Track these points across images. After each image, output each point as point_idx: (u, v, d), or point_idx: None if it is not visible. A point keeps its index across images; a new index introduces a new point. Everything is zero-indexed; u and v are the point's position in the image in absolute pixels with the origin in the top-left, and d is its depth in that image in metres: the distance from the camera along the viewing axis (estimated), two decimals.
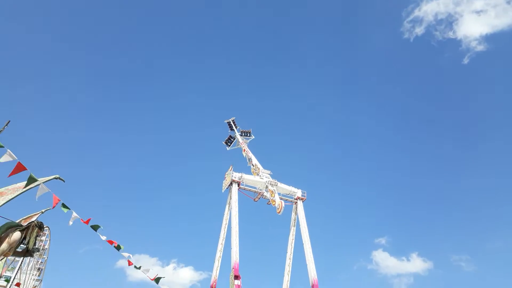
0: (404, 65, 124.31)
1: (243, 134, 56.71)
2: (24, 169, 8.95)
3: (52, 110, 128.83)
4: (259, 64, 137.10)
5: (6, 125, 8.46)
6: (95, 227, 11.08)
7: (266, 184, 46.50)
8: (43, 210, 9.04)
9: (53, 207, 9.98)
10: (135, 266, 13.12)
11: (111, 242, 11.37)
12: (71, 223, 10.18)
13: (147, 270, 13.24)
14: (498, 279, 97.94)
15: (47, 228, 43.61)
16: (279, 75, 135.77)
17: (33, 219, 8.95)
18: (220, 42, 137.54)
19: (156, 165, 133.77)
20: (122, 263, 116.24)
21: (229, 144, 57.23)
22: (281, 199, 48.15)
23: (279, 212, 42.34)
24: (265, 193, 46.10)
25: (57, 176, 8.83)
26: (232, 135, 57.21)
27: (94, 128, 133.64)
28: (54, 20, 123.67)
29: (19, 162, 8.87)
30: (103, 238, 11.27)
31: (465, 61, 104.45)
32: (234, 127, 57.41)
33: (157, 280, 14.26)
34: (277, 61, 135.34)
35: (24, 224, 9.06)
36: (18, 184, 8.40)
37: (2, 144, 8.44)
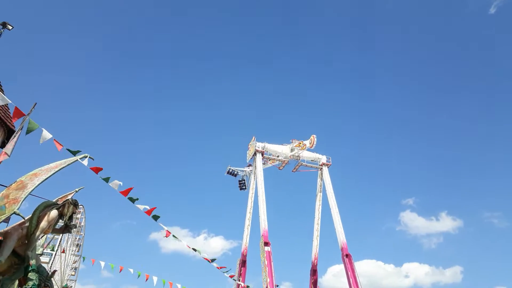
0: (428, 14, 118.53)
1: None
2: (60, 146, 9.15)
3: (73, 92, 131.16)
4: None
5: (33, 107, 8.60)
6: (132, 199, 11.29)
7: (291, 148, 46.66)
8: (77, 189, 9.31)
9: (97, 175, 10.20)
10: (174, 236, 13.51)
11: (149, 213, 11.63)
12: (116, 187, 10.45)
13: (181, 240, 13.60)
14: None
15: (82, 206, 45.45)
16: (294, 27, 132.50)
17: (68, 198, 9.20)
18: None
19: (183, 137, 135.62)
20: (155, 235, 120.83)
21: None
22: (305, 166, 48.36)
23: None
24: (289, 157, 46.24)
25: (87, 154, 8.99)
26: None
27: (117, 106, 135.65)
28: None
29: (55, 139, 9.08)
30: (142, 207, 11.48)
31: (492, 10, 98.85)
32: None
33: (196, 250, 14.76)
34: (289, 10, 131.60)
35: (60, 203, 9.35)
36: (50, 164, 8.61)
37: (36, 124, 8.64)
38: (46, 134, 8.95)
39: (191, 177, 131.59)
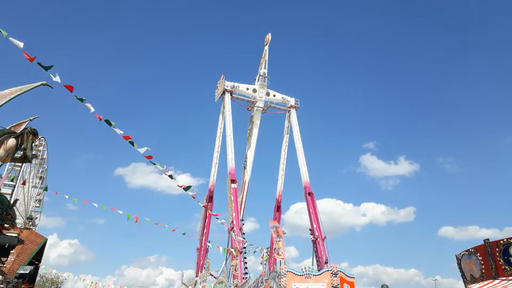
0: None
1: None
2: (32, 58, 8.71)
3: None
4: None
5: None
6: (109, 123, 11.00)
7: (258, 92, 46.46)
8: (31, 118, 8.95)
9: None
10: (170, 176, 13.63)
11: (127, 138, 11.44)
12: (92, 109, 10.23)
13: (175, 180, 13.81)
14: (479, 180, 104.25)
15: (43, 138, 44.20)
16: None
17: (23, 126, 8.87)
18: None
19: (151, 74, 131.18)
20: (120, 171, 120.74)
21: None
22: (274, 107, 48.61)
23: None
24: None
25: (44, 82, 8.56)
26: None
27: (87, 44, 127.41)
28: None
29: (24, 52, 8.61)
30: (119, 132, 11.25)
31: None
32: None
33: (186, 188, 14.99)
34: None
35: (17, 131, 9.05)
36: (5, 91, 8.16)
37: (5, 32, 8.15)
38: (17, 43, 8.46)
39: (158, 114, 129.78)
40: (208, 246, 46.01)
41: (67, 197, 19.33)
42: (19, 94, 8.15)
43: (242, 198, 43.58)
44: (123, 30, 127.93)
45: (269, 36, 48.70)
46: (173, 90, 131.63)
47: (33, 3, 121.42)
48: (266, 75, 47.71)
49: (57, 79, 9.14)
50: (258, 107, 47.68)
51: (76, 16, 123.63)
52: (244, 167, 42.67)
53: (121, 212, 19.61)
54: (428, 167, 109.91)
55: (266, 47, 48.27)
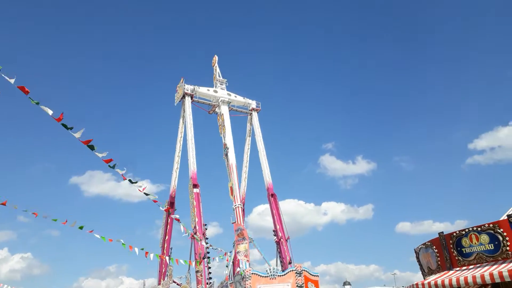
0: None
1: None
2: None
3: None
4: None
5: None
6: (66, 127, 10.35)
7: (219, 100, 46.23)
8: None
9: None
10: (130, 180, 13.09)
11: (86, 142, 10.84)
12: (50, 112, 9.57)
13: (138, 185, 13.24)
14: (432, 176, 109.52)
15: None
16: None
17: None
18: None
19: (105, 79, 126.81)
20: (76, 180, 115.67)
21: None
22: (236, 110, 48.56)
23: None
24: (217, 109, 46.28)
25: None
26: None
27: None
28: None
29: None
30: (77, 135, 10.63)
31: None
32: None
33: (146, 193, 14.54)
34: None
35: None
36: None
37: None
38: None
39: (116, 120, 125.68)
40: (171, 252, 45.09)
41: (16, 207, 18.15)
42: None
43: (233, 183, 42.11)
44: (80, 33, 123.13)
45: (215, 58, 49.11)
46: (130, 95, 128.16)
47: None
48: (222, 79, 48.05)
49: (10, 80, 8.57)
50: (223, 101, 46.88)
51: (33, 20, 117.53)
52: (226, 155, 42.08)
53: (72, 225, 18.64)
54: (384, 166, 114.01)
55: (215, 67, 48.83)
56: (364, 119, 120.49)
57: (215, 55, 49.60)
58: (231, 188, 40.54)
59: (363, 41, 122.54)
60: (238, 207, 38.77)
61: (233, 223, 37.74)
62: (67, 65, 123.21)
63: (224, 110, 45.56)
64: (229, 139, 43.05)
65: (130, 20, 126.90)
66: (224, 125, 43.95)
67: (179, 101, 47.16)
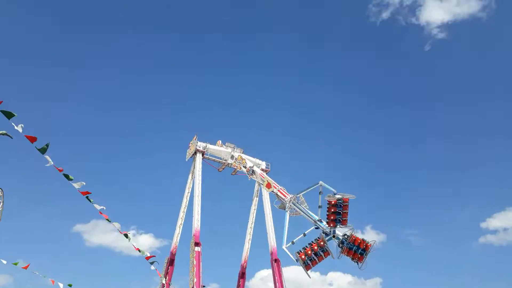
0: (369, 49, 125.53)
1: None
2: None
3: None
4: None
5: None
6: (68, 177, 10.55)
7: (232, 153, 46.55)
8: None
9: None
10: (125, 235, 13.00)
11: (85, 193, 10.94)
12: (50, 162, 9.74)
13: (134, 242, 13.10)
14: (442, 252, 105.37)
15: (0, 189, 41.84)
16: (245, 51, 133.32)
17: None
18: None
19: (119, 126, 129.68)
20: (79, 228, 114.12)
21: None
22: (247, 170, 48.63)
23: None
24: (230, 161, 46.10)
25: (4, 131, 8.31)
26: None
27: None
28: None
29: None
30: (77, 186, 10.78)
31: (427, 48, 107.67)
32: None
33: (139, 250, 14.36)
34: (244, 32, 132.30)
35: None
36: None
37: None
38: None
39: (124, 171, 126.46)
40: None
41: (5, 262, 17.74)
42: None
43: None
44: (89, 81, 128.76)
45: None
46: (142, 148, 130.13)
47: None
48: (230, 144, 47.88)
49: (18, 128, 8.91)
50: (229, 164, 46.51)
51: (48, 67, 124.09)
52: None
53: (61, 284, 18.18)
54: (394, 238, 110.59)
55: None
56: (375, 187, 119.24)
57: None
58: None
59: (371, 107, 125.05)
60: None
61: None
62: (73, 112, 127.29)
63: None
64: None
65: (146, 71, 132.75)
66: None
67: (190, 157, 47.73)
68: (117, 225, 12.74)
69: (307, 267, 28.07)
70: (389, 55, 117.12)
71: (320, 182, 28.83)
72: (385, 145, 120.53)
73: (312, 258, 28.11)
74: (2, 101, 8.50)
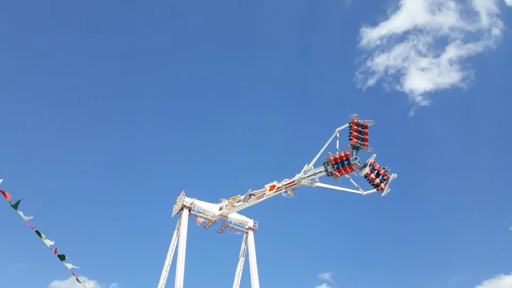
0: (355, 111, 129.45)
1: None
2: None
3: None
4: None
5: None
6: (39, 234, 10.35)
7: (220, 207, 46.10)
8: None
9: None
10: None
11: (56, 251, 10.62)
12: (26, 218, 9.57)
13: None
14: None
15: None
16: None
17: None
18: None
19: (104, 178, 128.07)
20: (56, 284, 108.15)
21: None
22: (232, 227, 47.85)
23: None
24: (218, 217, 45.87)
25: None
26: None
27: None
28: None
29: None
30: (49, 244, 10.53)
31: (411, 114, 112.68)
32: None
33: None
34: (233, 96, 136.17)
35: None
36: None
37: None
38: None
39: (107, 225, 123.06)
40: None
41: None
42: None
43: None
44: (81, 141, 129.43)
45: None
46: (123, 205, 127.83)
47: None
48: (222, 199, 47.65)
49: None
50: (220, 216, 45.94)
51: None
52: None
53: None
54: None
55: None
56: (364, 249, 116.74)
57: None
58: None
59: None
60: None
61: None
62: (57, 171, 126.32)
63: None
64: None
65: (138, 126, 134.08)
66: None
67: (177, 213, 46.87)
68: (88, 286, 12.24)
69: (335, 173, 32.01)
70: (375, 119, 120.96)
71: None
72: (373, 213, 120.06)
73: (339, 164, 31.70)
74: None
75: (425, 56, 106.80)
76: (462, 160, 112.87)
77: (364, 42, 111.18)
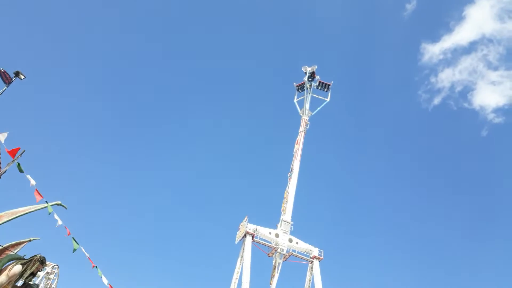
0: (421, 135, 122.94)
1: (320, 87, 54.91)
2: (40, 197, 8.83)
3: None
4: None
5: (21, 154, 8.40)
6: (97, 270, 10.50)
7: (278, 247, 45.20)
8: (31, 238, 8.58)
9: (68, 234, 9.63)
10: None
11: None
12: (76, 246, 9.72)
13: None
14: None
15: (56, 266, 42.83)
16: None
17: (21, 246, 8.52)
18: None
19: (168, 213, 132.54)
20: None
21: (300, 90, 55.78)
22: (296, 256, 46.33)
23: None
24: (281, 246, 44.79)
25: (59, 202, 8.53)
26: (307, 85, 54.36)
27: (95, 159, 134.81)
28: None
29: (36, 189, 8.77)
30: (106, 281, 10.63)
31: (483, 133, 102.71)
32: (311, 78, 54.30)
33: None
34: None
35: (13, 250, 8.69)
36: (18, 208, 8.16)
37: (22, 169, 8.41)
38: (31, 180, 8.70)
39: (173, 252, 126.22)
40: None
41: None
42: (31, 211, 8.09)
43: None
44: (137, 161, 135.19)
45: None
46: (188, 231, 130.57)
47: None
48: (290, 221, 46.84)
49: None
50: (281, 252, 45.39)
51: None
52: None
53: None
54: None
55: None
56: (441, 276, 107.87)
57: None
58: None
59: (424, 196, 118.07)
60: None
61: None
62: (119, 196, 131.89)
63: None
64: None
65: (196, 151, 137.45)
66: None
67: (240, 240, 46.45)
68: None
69: None
70: (444, 141, 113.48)
71: None
72: (444, 238, 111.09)
73: None
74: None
75: (496, 68, 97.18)
76: None
77: (426, 58, 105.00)
